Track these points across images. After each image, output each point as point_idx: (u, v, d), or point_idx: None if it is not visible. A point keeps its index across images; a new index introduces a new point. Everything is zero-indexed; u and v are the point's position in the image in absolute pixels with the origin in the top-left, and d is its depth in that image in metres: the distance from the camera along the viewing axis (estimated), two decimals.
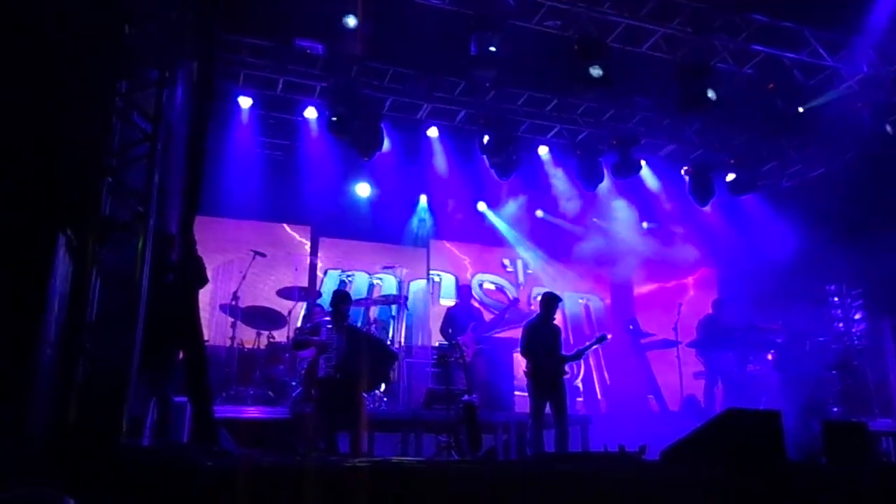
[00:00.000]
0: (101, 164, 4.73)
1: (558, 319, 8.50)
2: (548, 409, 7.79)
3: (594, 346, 8.46)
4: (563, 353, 8.16)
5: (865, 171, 9.90)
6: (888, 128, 9.43)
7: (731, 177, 11.37)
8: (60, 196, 3.92)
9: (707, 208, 11.73)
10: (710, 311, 10.43)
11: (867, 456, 6.19)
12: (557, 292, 8.46)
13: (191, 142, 5.40)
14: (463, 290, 10.08)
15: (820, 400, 8.94)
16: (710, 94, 8.88)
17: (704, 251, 12.48)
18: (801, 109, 8.93)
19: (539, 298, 8.41)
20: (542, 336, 7.96)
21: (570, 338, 11.63)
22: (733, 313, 10.25)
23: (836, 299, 10.31)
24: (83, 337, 4.19)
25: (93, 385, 4.13)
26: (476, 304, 10.04)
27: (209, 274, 10.08)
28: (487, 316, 10.47)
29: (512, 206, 12.07)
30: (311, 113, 10.33)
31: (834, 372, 9.36)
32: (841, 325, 10.15)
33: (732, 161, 11.26)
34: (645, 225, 12.79)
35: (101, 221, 4.68)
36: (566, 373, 8.15)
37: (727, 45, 9.16)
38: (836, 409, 9.11)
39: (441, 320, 9.95)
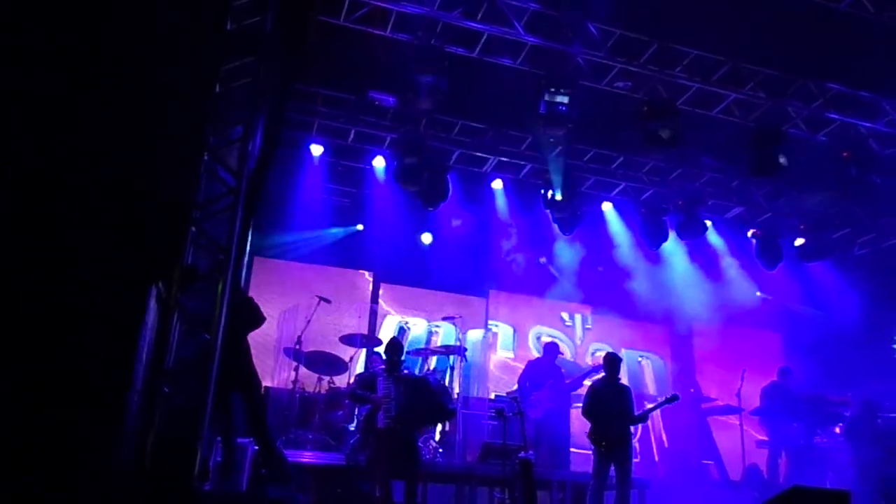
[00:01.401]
0: (188, 215, 4.99)
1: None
2: (611, 470, 7.67)
3: (663, 406, 8.30)
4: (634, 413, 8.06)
5: None
6: None
7: (799, 241, 11.15)
8: (152, 249, 4.15)
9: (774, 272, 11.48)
10: (776, 378, 10.14)
11: None
12: (615, 350, 8.38)
13: (249, 186, 5.65)
14: (549, 347, 10.04)
15: (892, 478, 8.54)
16: (782, 159, 8.80)
17: (772, 317, 12.19)
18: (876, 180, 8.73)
19: (602, 359, 8.36)
20: (607, 397, 7.87)
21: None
22: (800, 383, 9.95)
23: None
24: (163, 382, 4.39)
25: (169, 429, 4.30)
26: (557, 363, 9.97)
27: (272, 315, 10.44)
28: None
29: (574, 261, 12.04)
30: (379, 162, 10.63)
31: None
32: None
33: (802, 226, 11.06)
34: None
35: (185, 271, 4.92)
36: (633, 434, 8.03)
37: (800, 111, 9.10)
38: None
39: (508, 372, 9.93)
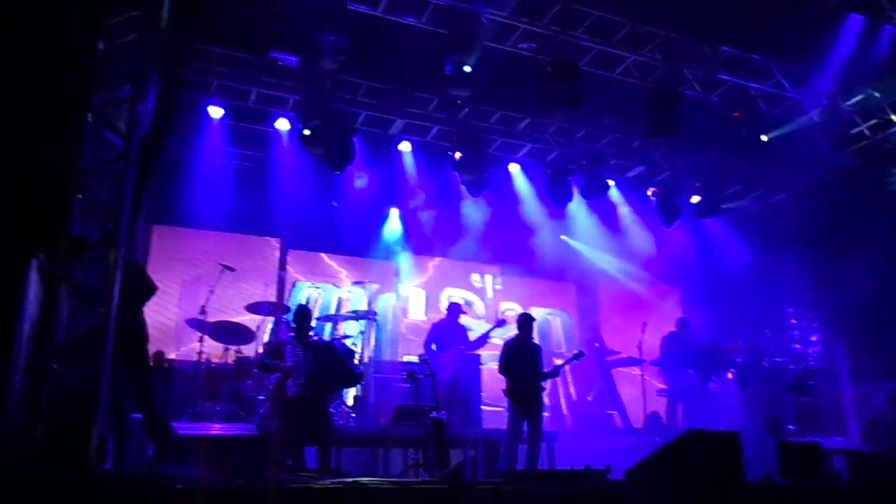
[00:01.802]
0: (72, 182, 4.68)
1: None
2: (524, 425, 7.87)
3: (571, 363, 8.63)
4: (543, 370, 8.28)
5: (823, 199, 10.24)
6: (844, 158, 9.76)
7: (695, 199, 11.63)
8: (32, 217, 3.88)
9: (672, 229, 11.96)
10: (675, 329, 10.64)
11: (820, 474, 6.38)
12: (524, 308, 8.56)
13: (143, 149, 5.35)
14: (452, 307, 10.10)
15: (777, 418, 9.17)
16: (679, 120, 9.10)
17: (670, 271, 12.72)
18: (764, 138, 9.18)
19: (516, 318, 8.51)
20: (521, 355, 8.07)
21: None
22: (696, 333, 10.48)
23: (794, 322, 10.61)
24: (51, 359, 4.14)
25: (61, 408, 4.07)
26: (461, 323, 10.05)
27: (174, 285, 10.05)
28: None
29: (482, 222, 12.14)
30: (283, 125, 10.31)
31: (790, 392, 9.60)
32: (798, 346, 10.44)
33: (698, 184, 11.52)
34: (611, 245, 12.90)
35: (71, 241, 4.62)
36: (544, 389, 8.26)
37: (696, 73, 9.41)
38: (791, 428, 9.35)
39: (418, 334, 9.97)
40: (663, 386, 10.70)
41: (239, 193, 10.65)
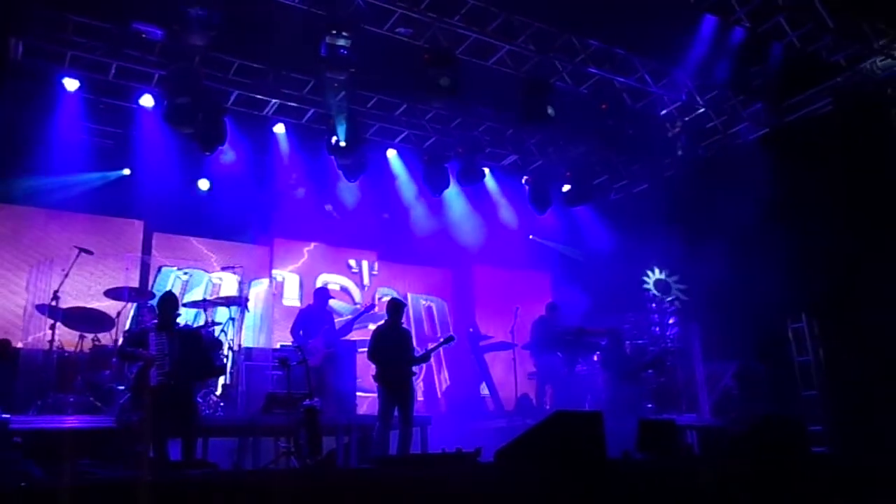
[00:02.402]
0: None
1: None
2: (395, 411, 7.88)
3: (441, 347, 8.65)
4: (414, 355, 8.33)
5: (681, 190, 10.88)
6: (700, 151, 10.43)
7: (566, 188, 12.06)
8: None
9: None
10: (544, 313, 11.01)
11: (674, 449, 6.83)
12: (401, 294, 8.58)
13: None
14: (319, 293, 9.91)
15: (636, 397, 9.69)
16: (550, 110, 9.37)
17: (540, 256, 13.14)
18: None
19: (386, 304, 8.50)
20: (390, 340, 8.06)
21: (414, 339, 11.79)
22: (565, 317, 10.89)
23: (653, 305, 11.21)
24: None
25: None
26: (328, 308, 9.90)
27: (21, 268, 9.32)
28: (336, 319, 10.40)
29: (359, 208, 12.04)
30: (147, 101, 9.76)
31: (650, 371, 10.17)
32: (657, 328, 11.06)
33: (568, 173, 11.95)
34: (485, 231, 13.21)
35: None
36: (414, 374, 8.30)
37: (566, 65, 9.72)
38: (650, 406, 9.92)
39: (292, 320, 9.75)
40: (534, 369, 11.06)
41: (97, 172, 9.99)
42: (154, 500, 3.57)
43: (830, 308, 9.23)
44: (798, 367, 9.69)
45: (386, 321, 8.28)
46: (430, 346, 8.83)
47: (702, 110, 10.56)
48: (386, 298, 12.75)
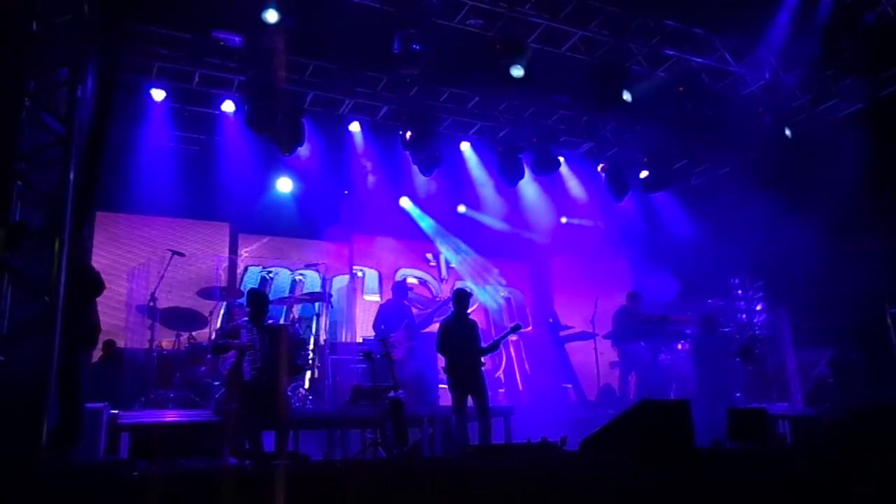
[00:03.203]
0: (10, 168, 4.56)
1: (478, 314, 8.68)
2: (470, 402, 7.96)
3: (509, 336, 8.54)
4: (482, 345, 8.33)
5: (766, 171, 10.52)
6: (787, 131, 10.06)
7: (644, 174, 11.86)
8: None
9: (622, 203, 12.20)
10: (626, 302, 10.90)
11: (766, 438, 6.67)
12: (474, 286, 8.58)
13: (88, 139, 5.23)
14: (397, 287, 10.15)
15: (725, 387, 9.48)
16: (626, 95, 9.25)
17: (619, 245, 12.98)
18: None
19: (451, 295, 8.55)
20: (457, 331, 8.10)
21: (493, 331, 11.89)
22: (646, 305, 10.74)
23: (739, 291, 10.93)
24: None
25: (8, 398, 3.99)
26: (406, 302, 10.12)
27: (120, 273, 9.87)
28: (416, 311, 10.60)
29: (435, 202, 12.20)
30: (228, 107, 10.15)
31: (738, 360, 9.94)
32: (744, 315, 10.78)
33: (645, 159, 11.74)
34: (564, 220, 13.22)
35: (11, 228, 4.51)
36: (484, 364, 8.31)
37: (641, 48, 9.56)
38: (738, 395, 9.70)
39: (374, 316, 10.00)
40: (616, 359, 10.97)
41: (185, 178, 10.50)
42: (245, 491, 3.75)
43: None
44: None
45: (452, 312, 8.32)
46: (498, 335, 8.79)
47: (788, 89, 10.17)
48: None
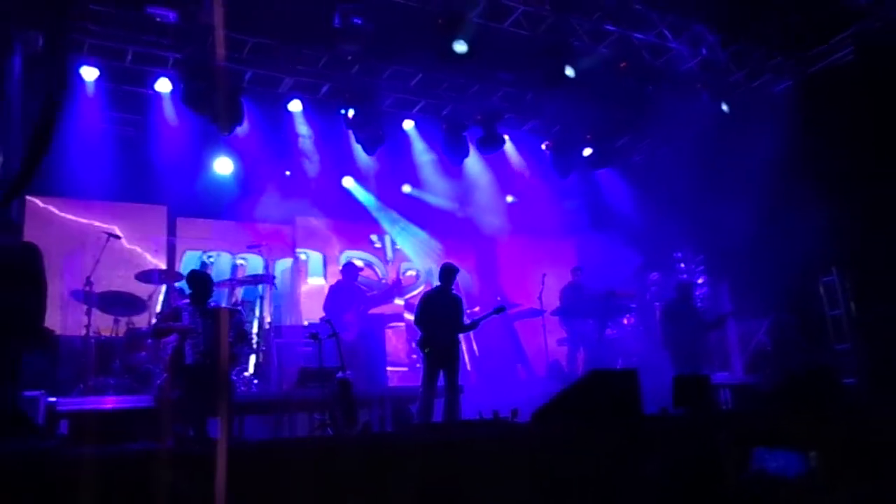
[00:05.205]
0: None
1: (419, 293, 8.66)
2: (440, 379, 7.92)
3: (491, 316, 8.48)
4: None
5: (706, 147, 10.80)
6: (724, 106, 10.32)
7: (587, 151, 12.03)
8: None
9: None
10: (571, 278, 11.07)
11: (709, 405, 6.90)
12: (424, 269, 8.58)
13: (38, 125, 5.01)
14: (347, 268, 10.07)
15: (697, 354, 9.56)
16: (569, 71, 9.35)
17: (564, 222, 13.16)
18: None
19: (439, 269, 8.48)
20: (439, 305, 8.05)
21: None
22: (592, 280, 10.94)
23: (682, 265, 11.24)
24: None
25: None
26: (356, 283, 10.06)
27: (55, 257, 9.52)
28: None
29: (379, 182, 12.13)
30: (164, 86, 9.86)
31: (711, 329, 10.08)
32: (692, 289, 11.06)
33: (589, 136, 11.90)
34: (509, 199, 13.32)
35: None
36: (459, 342, 8.29)
37: (583, 24, 9.66)
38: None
39: (320, 300, 9.91)
40: (564, 335, 11.15)
41: (120, 160, 10.16)
42: (185, 472, 3.65)
43: (861, 260, 9.18)
44: (830, 321, 9.69)
45: (437, 286, 8.33)
46: (478, 314, 8.79)
47: (724, 64, 10.43)
48: (411, 272, 13.00)
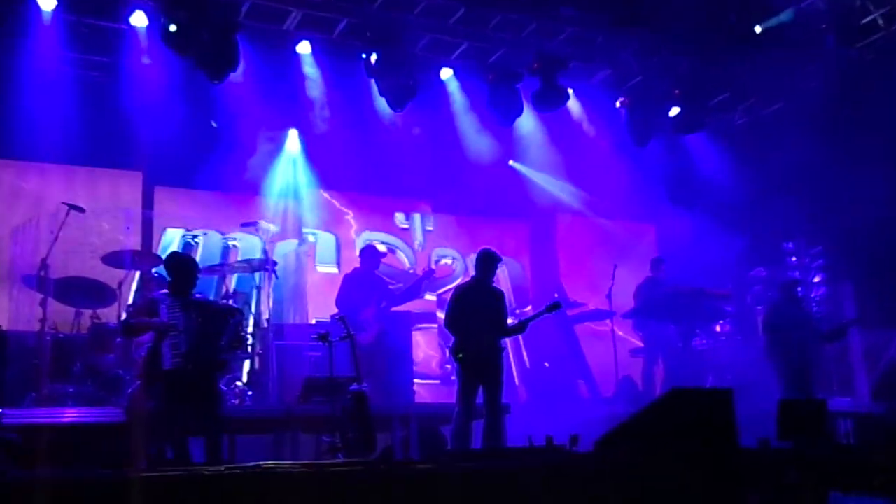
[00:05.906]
0: None
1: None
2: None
3: (544, 315, 8.41)
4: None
5: (829, 106, 10.61)
6: (855, 54, 10.13)
7: (674, 111, 11.91)
8: None
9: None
10: (650, 272, 11.01)
11: (825, 437, 6.81)
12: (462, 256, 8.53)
13: None
14: (367, 252, 10.12)
15: (810, 374, 9.47)
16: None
17: (643, 202, 13.07)
18: (758, 29, 9.35)
19: (474, 257, 8.47)
20: (475, 302, 8.02)
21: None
22: (676, 276, 10.86)
23: (793, 259, 11.09)
24: None
25: None
26: (378, 272, 10.13)
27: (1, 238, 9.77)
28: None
29: (408, 146, 12.15)
30: (140, 19, 9.99)
31: (827, 341, 9.98)
32: (799, 289, 10.92)
33: (677, 91, 11.77)
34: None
35: None
36: (504, 349, 8.27)
37: None
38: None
39: (329, 289, 10.00)
40: (639, 344, 11.11)
41: (84, 114, 10.33)
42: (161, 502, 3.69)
43: None
44: None
45: (472, 277, 8.32)
46: (526, 314, 8.76)
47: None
48: (445, 261, 13.02)
